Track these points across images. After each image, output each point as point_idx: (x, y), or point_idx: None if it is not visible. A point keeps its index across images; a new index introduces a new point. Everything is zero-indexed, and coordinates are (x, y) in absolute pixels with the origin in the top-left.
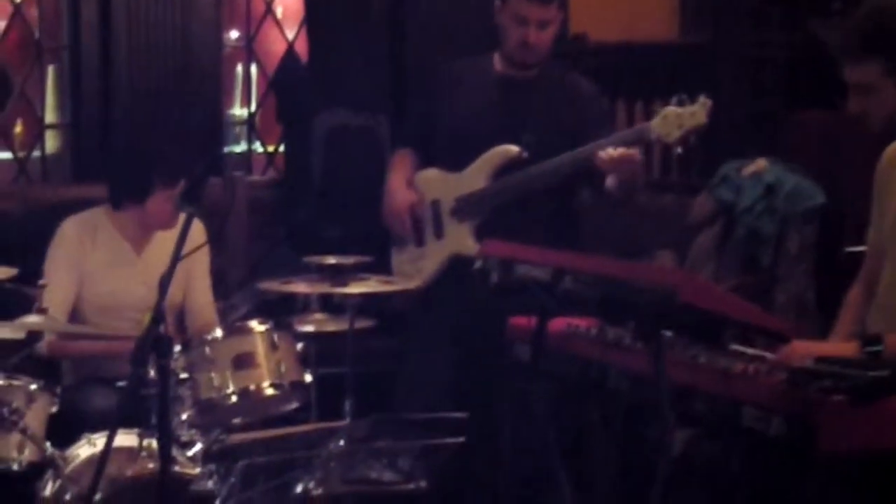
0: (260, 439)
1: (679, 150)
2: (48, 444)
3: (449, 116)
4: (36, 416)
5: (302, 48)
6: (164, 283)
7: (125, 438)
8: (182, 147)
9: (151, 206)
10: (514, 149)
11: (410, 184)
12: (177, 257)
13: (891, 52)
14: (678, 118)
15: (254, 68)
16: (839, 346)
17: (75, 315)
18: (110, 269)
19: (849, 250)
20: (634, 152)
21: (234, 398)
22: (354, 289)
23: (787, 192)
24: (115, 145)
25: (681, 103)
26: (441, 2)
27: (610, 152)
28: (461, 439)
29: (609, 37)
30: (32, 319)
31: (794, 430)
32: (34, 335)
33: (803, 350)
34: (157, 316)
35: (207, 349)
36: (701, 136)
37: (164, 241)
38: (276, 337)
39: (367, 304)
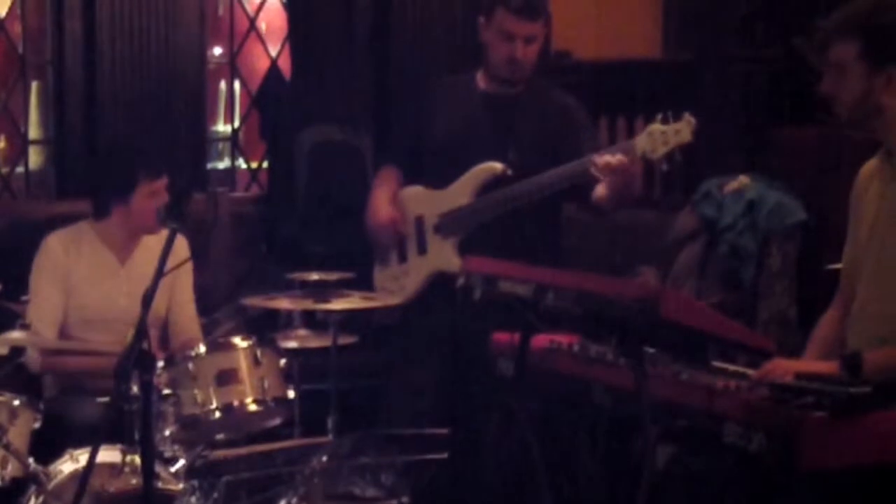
0: (243, 455)
1: (664, 166)
2: (31, 459)
3: (434, 133)
4: (19, 432)
5: (285, 64)
6: (148, 298)
7: (108, 454)
8: (164, 142)
9: (136, 204)
10: (498, 166)
11: (394, 200)
12: (160, 272)
13: (870, 38)
14: (663, 135)
15: (237, 84)
16: (820, 364)
17: (60, 328)
18: (94, 280)
19: (830, 267)
20: (630, 161)
21: (217, 414)
22: (337, 305)
23: (769, 209)
24: (99, 150)
25: (666, 120)
26: (425, 19)
27: (608, 158)
28: (444, 455)
29: (592, 54)
30: (16, 335)
31: (776, 446)
32: (17, 351)
33: (784, 367)
34: (140, 331)
35: (190, 365)
36: (685, 153)
37: (147, 252)
38: (259, 353)
39: (350, 319)
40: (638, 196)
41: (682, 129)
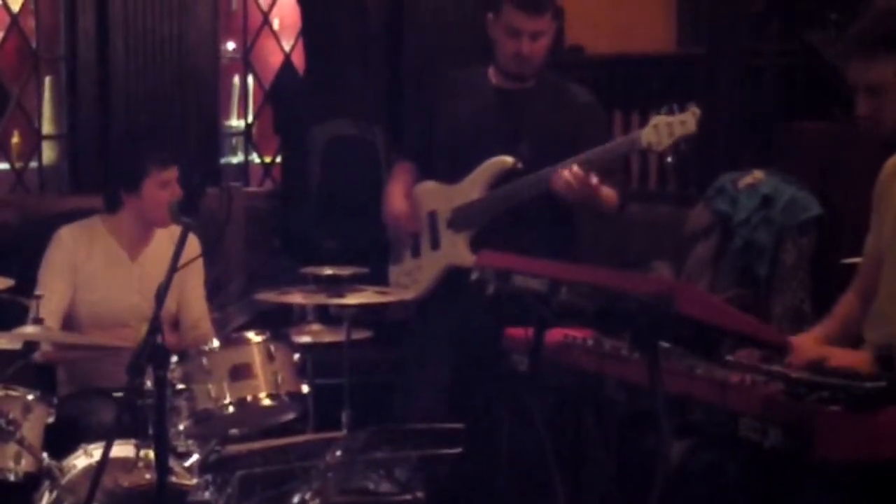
0: (257, 450)
1: (669, 159)
2: (45, 454)
3: (446, 128)
4: (32, 427)
5: (299, 59)
6: (161, 294)
7: (122, 449)
8: (177, 137)
9: (147, 193)
10: (509, 160)
11: (409, 195)
12: (173, 268)
13: None
14: (668, 127)
15: (251, 79)
16: (846, 352)
17: (70, 322)
18: (105, 275)
19: (845, 262)
20: (584, 181)
21: (230, 409)
22: (351, 299)
23: (784, 204)
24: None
25: (670, 112)
26: (438, 13)
27: (565, 174)
28: (458, 450)
29: (605, 48)
30: (29, 330)
31: (791, 440)
32: (31, 345)
33: (813, 350)
34: (154, 327)
35: (204, 360)
36: (692, 145)
37: (158, 248)
38: (272, 348)
39: (363, 314)
40: (606, 212)
41: (687, 120)
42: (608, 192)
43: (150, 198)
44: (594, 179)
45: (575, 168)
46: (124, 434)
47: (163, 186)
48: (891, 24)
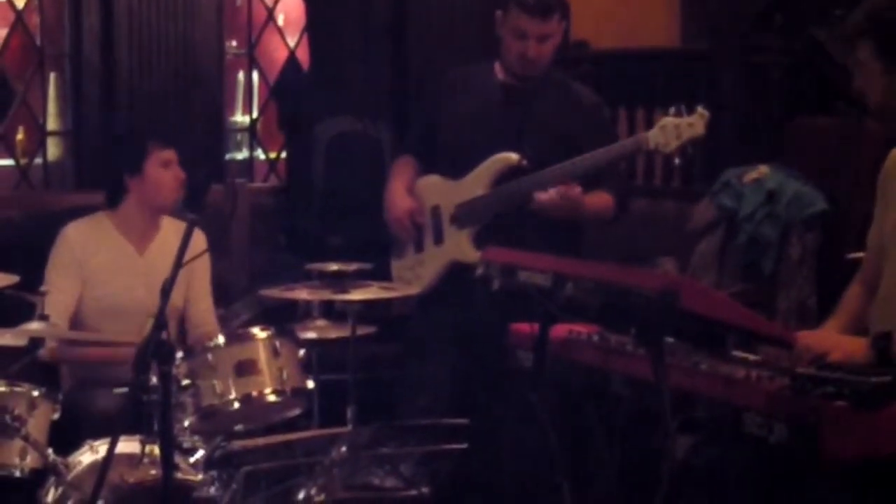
0: (262, 446)
1: (677, 160)
2: (50, 450)
3: (450, 123)
4: (38, 423)
5: (303, 55)
6: (167, 289)
7: (127, 445)
8: (182, 132)
9: (150, 174)
10: (513, 156)
11: (410, 190)
12: (179, 264)
13: (881, 37)
14: (676, 129)
15: (255, 76)
16: (848, 340)
17: (76, 318)
18: (112, 270)
19: (850, 256)
20: (564, 195)
21: (236, 405)
22: (356, 295)
23: (789, 199)
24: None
25: (679, 114)
26: (442, 9)
27: (550, 194)
28: (463, 445)
29: (610, 44)
30: (34, 326)
31: (796, 436)
32: (36, 342)
33: (814, 341)
34: (160, 322)
35: (209, 356)
36: (699, 145)
37: (165, 242)
38: (278, 344)
39: (368, 310)
40: (597, 219)
41: (695, 123)
42: (596, 200)
43: (153, 178)
44: (577, 190)
45: (560, 189)
46: (130, 430)
47: (165, 166)
48: (876, 6)
